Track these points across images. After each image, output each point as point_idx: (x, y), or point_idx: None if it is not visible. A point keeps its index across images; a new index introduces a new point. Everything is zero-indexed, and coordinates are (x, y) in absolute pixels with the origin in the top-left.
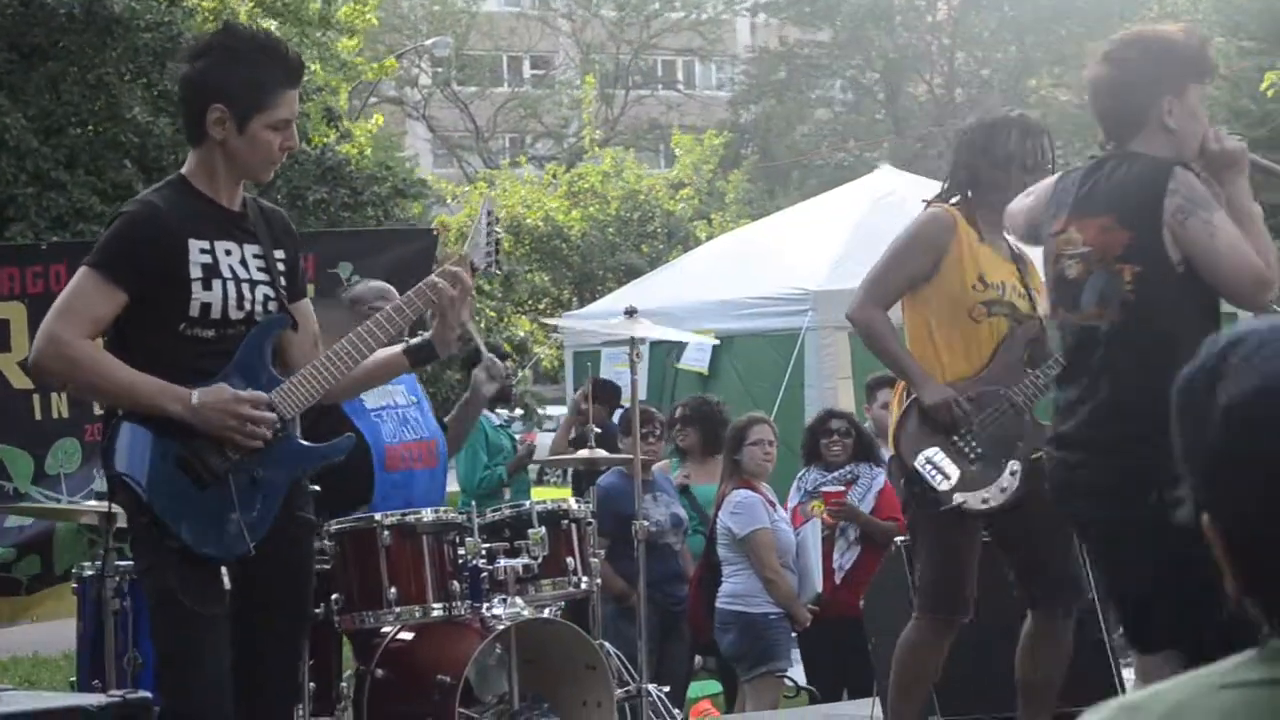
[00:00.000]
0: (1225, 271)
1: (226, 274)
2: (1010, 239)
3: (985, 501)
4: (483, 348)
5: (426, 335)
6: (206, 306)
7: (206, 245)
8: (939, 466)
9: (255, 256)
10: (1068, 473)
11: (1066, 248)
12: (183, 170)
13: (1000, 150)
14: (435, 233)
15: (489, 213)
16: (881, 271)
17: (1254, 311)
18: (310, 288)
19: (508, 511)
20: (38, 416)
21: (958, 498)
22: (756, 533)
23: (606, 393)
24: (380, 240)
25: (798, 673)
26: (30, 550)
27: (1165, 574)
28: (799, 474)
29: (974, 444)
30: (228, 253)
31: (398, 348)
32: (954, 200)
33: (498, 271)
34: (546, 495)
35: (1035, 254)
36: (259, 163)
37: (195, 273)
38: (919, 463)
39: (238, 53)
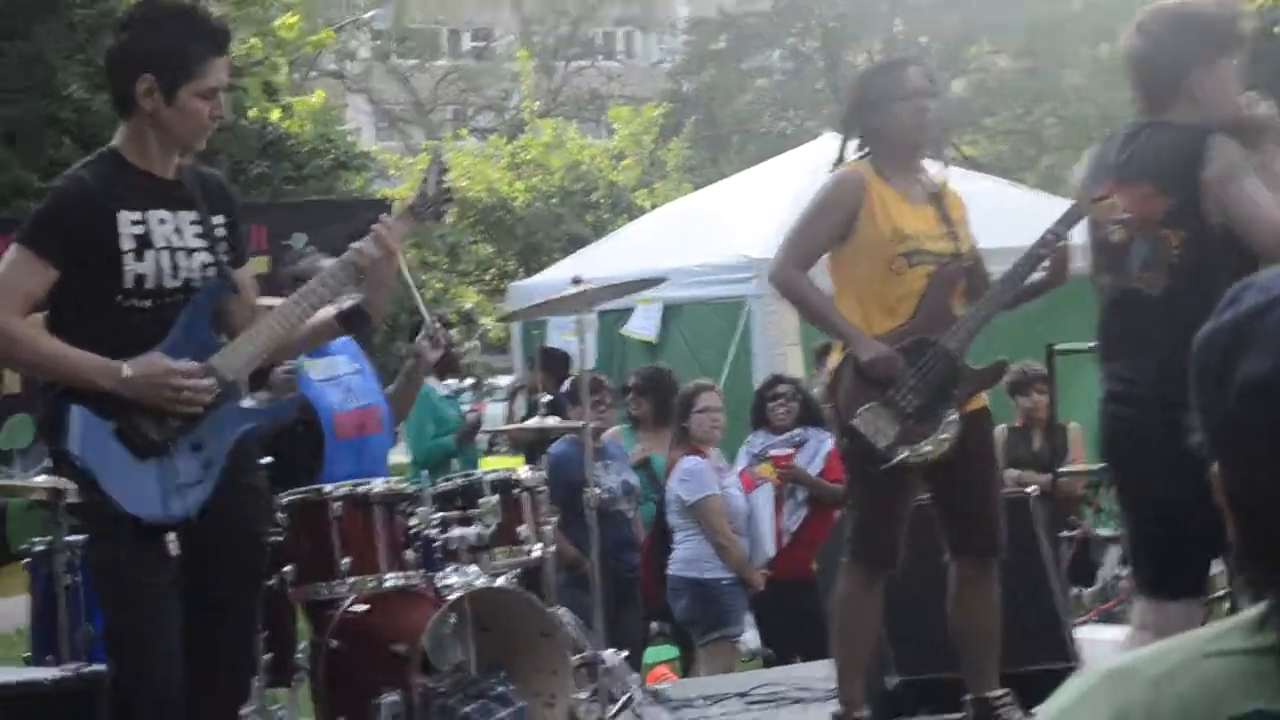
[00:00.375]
0: (1262, 235)
1: (160, 243)
2: (925, 178)
3: (925, 454)
4: (426, 315)
5: (359, 300)
6: (141, 277)
7: (138, 216)
8: (876, 422)
9: (192, 224)
10: (1120, 429)
11: (1109, 213)
12: (114, 143)
13: (874, 94)
14: (389, 203)
15: (438, 161)
16: (797, 234)
17: None
18: (264, 259)
19: (460, 481)
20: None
21: (899, 452)
22: (707, 499)
23: (554, 362)
24: (334, 211)
25: (752, 637)
26: None
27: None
28: (747, 440)
29: (910, 397)
30: (162, 222)
31: (330, 311)
32: (860, 157)
33: (447, 221)
34: (497, 464)
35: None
36: (189, 132)
37: (127, 244)
38: (857, 420)
39: (162, 23)
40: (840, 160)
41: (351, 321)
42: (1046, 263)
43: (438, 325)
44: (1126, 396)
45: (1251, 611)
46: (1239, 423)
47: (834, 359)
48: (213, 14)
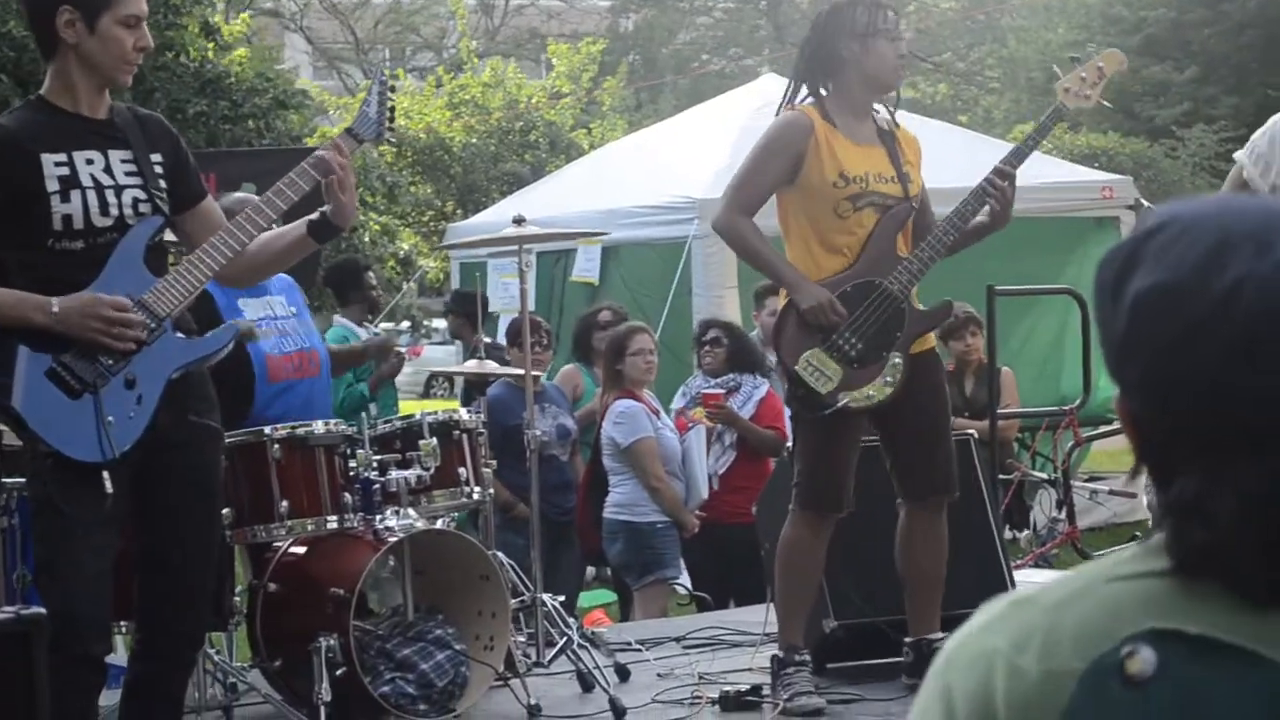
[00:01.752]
0: None
1: (87, 183)
2: (877, 119)
3: (869, 398)
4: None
5: (325, 209)
6: (68, 218)
7: (63, 158)
8: (819, 368)
9: (124, 162)
10: None
11: None
12: (41, 90)
13: (859, 24)
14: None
15: (383, 81)
16: (743, 178)
17: None
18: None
19: (399, 423)
20: None
21: (841, 397)
22: (640, 441)
23: (466, 303)
24: (284, 160)
25: (688, 580)
26: None
27: None
28: (686, 382)
29: (854, 340)
30: (89, 162)
31: (301, 225)
32: (806, 100)
33: (391, 141)
34: (436, 407)
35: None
36: (113, 61)
37: (52, 186)
38: (800, 366)
39: None
40: (787, 101)
41: (319, 232)
42: (992, 202)
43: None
44: None
45: (1154, 538)
46: (1124, 343)
47: (779, 303)
48: None
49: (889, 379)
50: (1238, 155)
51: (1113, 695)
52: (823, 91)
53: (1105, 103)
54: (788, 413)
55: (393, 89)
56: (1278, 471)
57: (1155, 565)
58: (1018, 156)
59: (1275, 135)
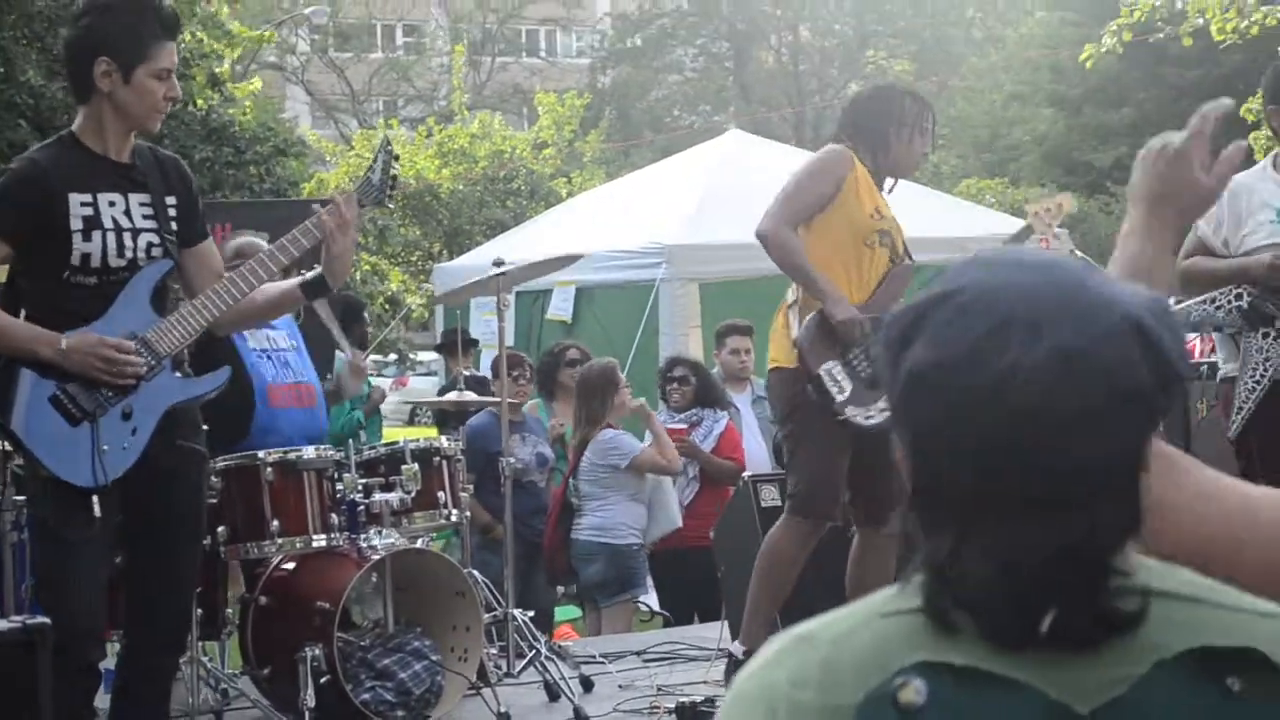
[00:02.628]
0: None
1: (108, 225)
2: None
3: (869, 418)
4: (347, 349)
5: (319, 269)
6: (87, 256)
7: (88, 198)
8: (836, 379)
9: (142, 205)
10: None
11: None
12: (72, 128)
13: (908, 115)
14: (397, 176)
15: (388, 151)
16: (792, 193)
17: None
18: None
19: (383, 449)
20: None
21: (849, 410)
22: (638, 455)
23: (451, 342)
24: (296, 211)
25: (651, 599)
26: None
27: None
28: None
29: (865, 364)
30: (111, 204)
31: (294, 281)
32: (848, 144)
33: (390, 206)
34: (418, 434)
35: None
36: (145, 110)
37: (76, 224)
38: (823, 371)
39: (117, 10)
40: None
41: (313, 288)
42: None
43: (357, 353)
44: None
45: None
46: (902, 404)
47: (780, 320)
48: (163, 3)
49: (884, 408)
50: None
51: None
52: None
53: (1058, 230)
54: (776, 431)
55: (396, 158)
56: (1022, 540)
57: (915, 602)
58: (1018, 240)
59: (1223, 200)
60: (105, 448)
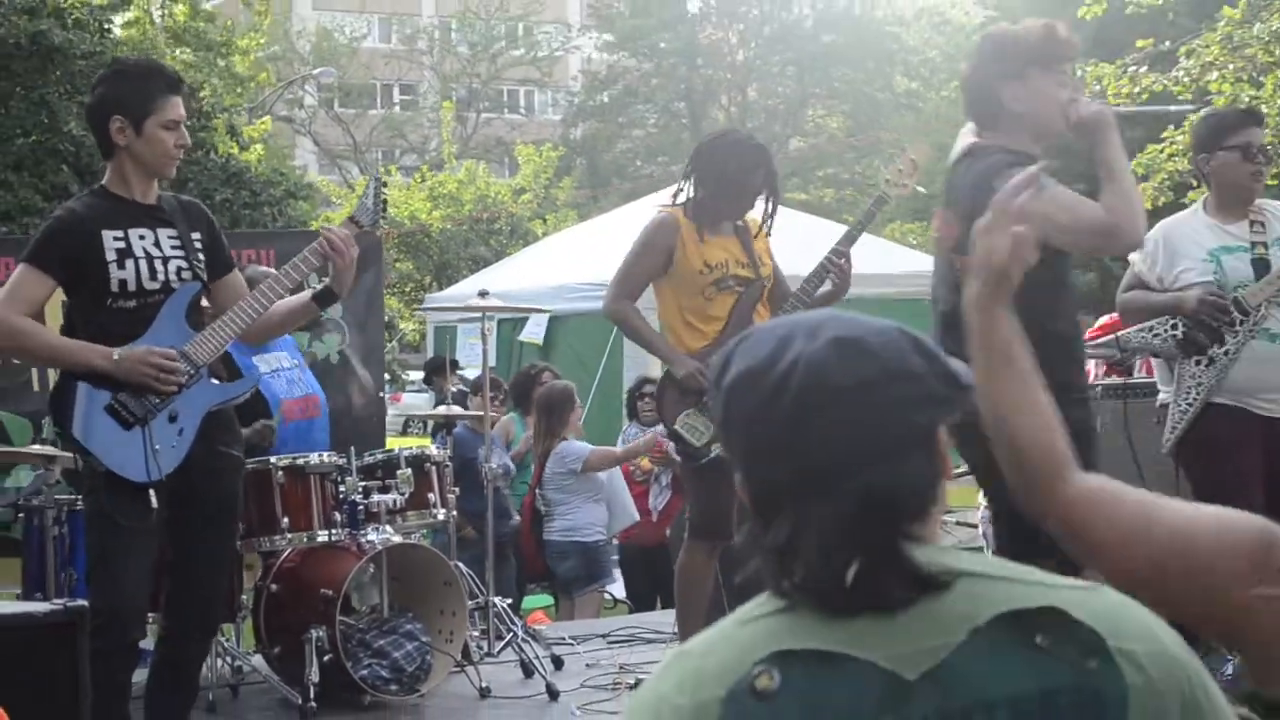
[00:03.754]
0: (1074, 236)
1: (139, 254)
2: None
3: None
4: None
5: (327, 282)
6: (124, 282)
7: (120, 234)
8: (695, 425)
9: (170, 238)
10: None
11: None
12: (103, 181)
13: (741, 163)
14: (378, 235)
15: (378, 179)
16: (625, 271)
17: (1122, 255)
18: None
19: (380, 456)
20: (35, 388)
21: (714, 448)
22: (590, 456)
23: (437, 364)
24: (304, 241)
25: (617, 588)
26: None
27: None
28: (623, 429)
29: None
30: (141, 237)
31: (306, 294)
32: (682, 202)
33: (384, 226)
34: (411, 443)
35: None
36: (158, 159)
37: (110, 256)
38: (679, 424)
39: (125, 74)
40: (672, 199)
41: (324, 299)
42: (833, 276)
43: (269, 425)
44: None
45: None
46: (725, 418)
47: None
48: (166, 64)
49: None
50: (1131, 257)
51: (749, 709)
52: (695, 195)
53: (920, 189)
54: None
55: (385, 185)
56: (840, 511)
57: (770, 607)
58: (849, 240)
59: (1158, 239)
60: (157, 447)
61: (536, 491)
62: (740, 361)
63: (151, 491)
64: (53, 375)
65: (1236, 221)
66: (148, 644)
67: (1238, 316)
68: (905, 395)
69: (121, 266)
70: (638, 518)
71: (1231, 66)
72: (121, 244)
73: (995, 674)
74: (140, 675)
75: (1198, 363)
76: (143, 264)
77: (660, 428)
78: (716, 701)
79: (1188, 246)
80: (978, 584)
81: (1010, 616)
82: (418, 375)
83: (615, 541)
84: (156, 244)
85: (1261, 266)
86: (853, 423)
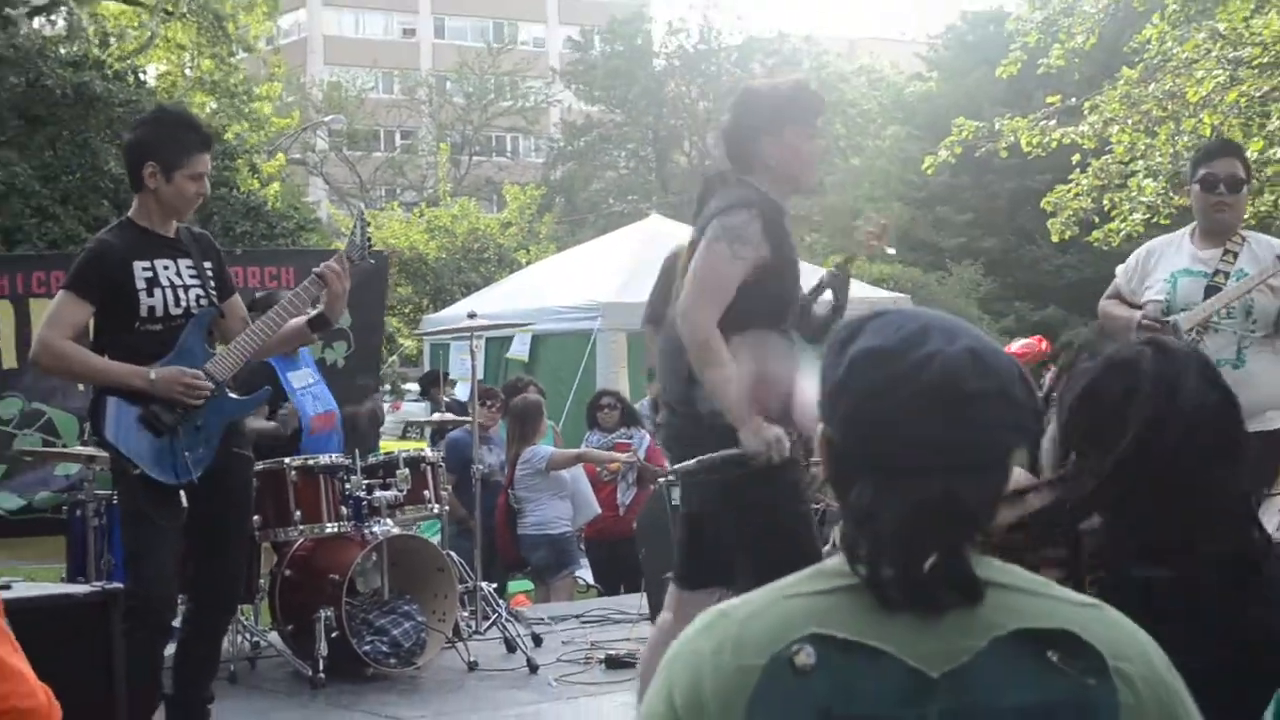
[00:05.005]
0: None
1: (164, 283)
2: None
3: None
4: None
5: (320, 309)
6: (152, 308)
7: (147, 264)
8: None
9: (188, 268)
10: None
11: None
12: (129, 213)
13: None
14: (387, 255)
15: (363, 219)
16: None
17: None
18: (289, 291)
19: (382, 457)
20: (80, 388)
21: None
22: (553, 456)
23: (431, 379)
24: (311, 258)
25: (586, 574)
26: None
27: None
28: (585, 435)
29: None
30: (165, 267)
31: (302, 319)
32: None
33: (371, 260)
34: (410, 446)
35: None
36: (182, 204)
37: (140, 284)
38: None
39: (164, 123)
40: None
41: (316, 324)
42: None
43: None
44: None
45: (819, 565)
46: (842, 383)
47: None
48: (202, 120)
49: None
50: (1118, 269)
51: (786, 682)
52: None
53: (890, 250)
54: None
55: (368, 224)
56: (924, 493)
57: (818, 587)
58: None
59: (1143, 253)
60: (186, 454)
61: (509, 491)
62: (873, 336)
63: (182, 493)
64: None
65: (1212, 249)
66: (175, 621)
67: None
68: (1004, 417)
69: (150, 294)
70: (599, 510)
71: (1130, 120)
72: (149, 274)
73: (1008, 682)
74: (169, 649)
75: None
76: (168, 292)
77: (621, 432)
78: (757, 669)
79: (1161, 266)
80: (1004, 595)
81: (1029, 633)
82: (416, 387)
83: (582, 533)
84: (178, 273)
85: (1212, 294)
86: (961, 427)
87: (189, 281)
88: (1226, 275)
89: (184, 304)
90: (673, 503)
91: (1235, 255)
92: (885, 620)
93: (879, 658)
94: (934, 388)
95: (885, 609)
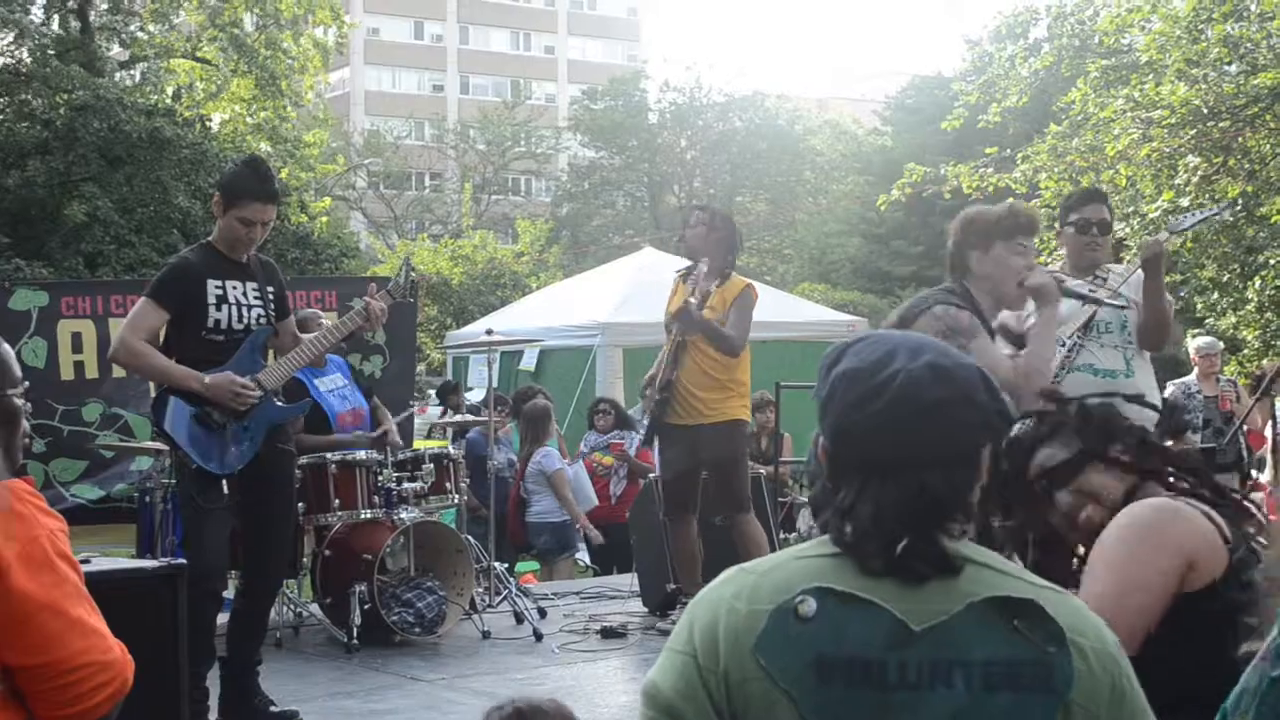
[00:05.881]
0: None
1: (232, 301)
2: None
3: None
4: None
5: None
6: (218, 321)
7: (219, 283)
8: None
9: (254, 290)
10: None
11: None
12: (210, 238)
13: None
14: (416, 280)
15: (409, 265)
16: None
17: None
18: (335, 313)
19: (410, 454)
20: (151, 394)
21: None
22: (557, 473)
23: (447, 390)
24: (356, 286)
25: (584, 555)
26: None
27: None
28: (585, 435)
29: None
30: (234, 288)
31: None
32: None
33: (411, 299)
34: (434, 445)
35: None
36: (231, 238)
37: (211, 299)
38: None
39: (243, 168)
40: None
41: (350, 338)
42: None
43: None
44: None
45: (820, 537)
46: (828, 399)
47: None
48: (277, 177)
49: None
50: None
51: (789, 625)
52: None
53: None
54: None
55: (414, 269)
56: (894, 493)
57: (821, 551)
58: None
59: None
60: (232, 449)
61: (521, 484)
62: (852, 359)
63: (224, 482)
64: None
65: (1080, 278)
66: (229, 594)
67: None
68: (970, 419)
69: (219, 309)
70: (596, 502)
71: (1056, 169)
72: (220, 291)
73: (979, 641)
74: (223, 619)
75: None
76: (234, 309)
77: (615, 434)
78: (765, 614)
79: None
80: (980, 571)
81: (1000, 600)
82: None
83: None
84: (244, 294)
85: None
86: (927, 431)
87: (253, 302)
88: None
89: (245, 321)
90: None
91: (1103, 279)
92: (878, 582)
93: (870, 609)
94: (899, 399)
95: (878, 575)
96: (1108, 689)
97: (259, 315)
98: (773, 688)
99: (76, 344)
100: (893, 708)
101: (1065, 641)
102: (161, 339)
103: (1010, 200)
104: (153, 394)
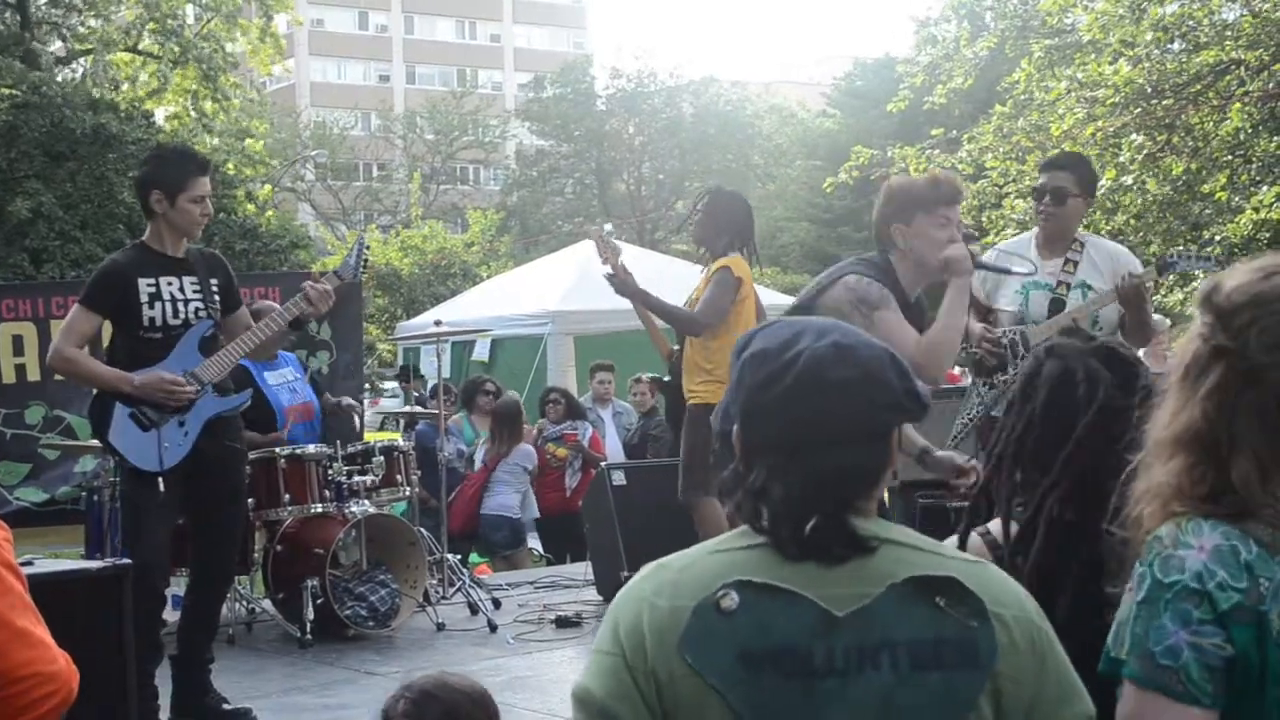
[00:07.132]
0: None
1: (166, 298)
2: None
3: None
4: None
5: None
6: (152, 319)
7: (151, 280)
8: None
9: (192, 284)
10: None
11: None
12: (143, 237)
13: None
14: (367, 260)
15: (362, 243)
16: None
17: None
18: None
19: (360, 446)
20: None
21: None
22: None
23: (406, 374)
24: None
25: (537, 545)
26: None
27: None
28: (538, 423)
29: None
30: (169, 284)
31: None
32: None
33: (362, 279)
34: (385, 437)
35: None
36: (188, 225)
37: (143, 299)
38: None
39: (165, 158)
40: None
41: (293, 324)
42: None
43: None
44: None
45: (743, 527)
46: (737, 382)
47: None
48: (199, 150)
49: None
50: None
51: (712, 620)
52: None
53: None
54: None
55: (368, 248)
56: (804, 471)
57: (739, 544)
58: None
59: (990, 259)
60: (166, 445)
61: (489, 475)
62: (759, 342)
63: (160, 479)
64: None
65: (1055, 258)
66: (180, 591)
67: (1021, 350)
68: (876, 398)
69: (151, 307)
70: (538, 514)
71: (1002, 150)
72: (152, 289)
73: (902, 621)
74: (174, 617)
75: (985, 384)
76: (168, 305)
77: (569, 424)
78: (688, 610)
79: (1010, 278)
80: (898, 551)
81: (920, 580)
82: (391, 385)
83: (535, 515)
84: (180, 289)
85: (1056, 306)
86: (832, 409)
87: (190, 296)
88: (1069, 286)
89: (183, 316)
90: (613, 484)
91: (1075, 265)
92: (797, 570)
93: (792, 598)
94: (803, 377)
95: (796, 559)
96: (1030, 656)
97: (197, 309)
98: (701, 684)
99: (18, 347)
100: (822, 695)
101: (987, 615)
102: (106, 341)
103: (933, 169)
104: (94, 393)
